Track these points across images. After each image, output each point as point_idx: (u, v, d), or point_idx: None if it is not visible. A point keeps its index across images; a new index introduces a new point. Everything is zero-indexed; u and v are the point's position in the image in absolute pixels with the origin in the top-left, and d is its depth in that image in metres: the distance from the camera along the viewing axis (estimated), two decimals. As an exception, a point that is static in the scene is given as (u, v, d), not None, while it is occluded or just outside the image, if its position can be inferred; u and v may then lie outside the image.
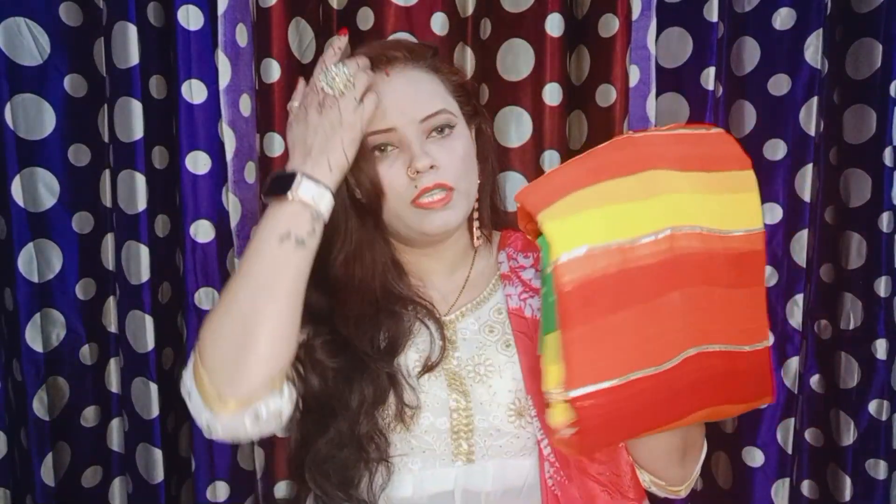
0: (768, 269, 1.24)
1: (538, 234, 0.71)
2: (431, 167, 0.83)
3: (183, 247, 1.17)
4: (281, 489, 1.27)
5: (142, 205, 1.14)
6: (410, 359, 0.86)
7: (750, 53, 1.25)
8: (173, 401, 1.20)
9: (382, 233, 0.90)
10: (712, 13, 1.19)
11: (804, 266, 1.26)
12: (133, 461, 1.20)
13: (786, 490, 1.29)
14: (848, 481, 1.26)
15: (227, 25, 1.13)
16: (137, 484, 1.20)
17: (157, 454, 1.17)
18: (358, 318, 0.86)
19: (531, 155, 1.25)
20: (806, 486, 1.34)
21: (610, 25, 1.19)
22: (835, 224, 1.28)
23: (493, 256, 0.96)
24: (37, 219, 1.15)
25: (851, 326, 1.26)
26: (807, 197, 1.24)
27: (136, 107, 1.12)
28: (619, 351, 0.70)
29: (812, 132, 1.22)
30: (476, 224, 0.94)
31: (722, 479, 1.35)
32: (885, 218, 1.21)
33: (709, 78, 1.20)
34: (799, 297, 1.26)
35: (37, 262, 1.15)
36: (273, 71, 1.17)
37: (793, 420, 1.28)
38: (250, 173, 1.19)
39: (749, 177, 0.77)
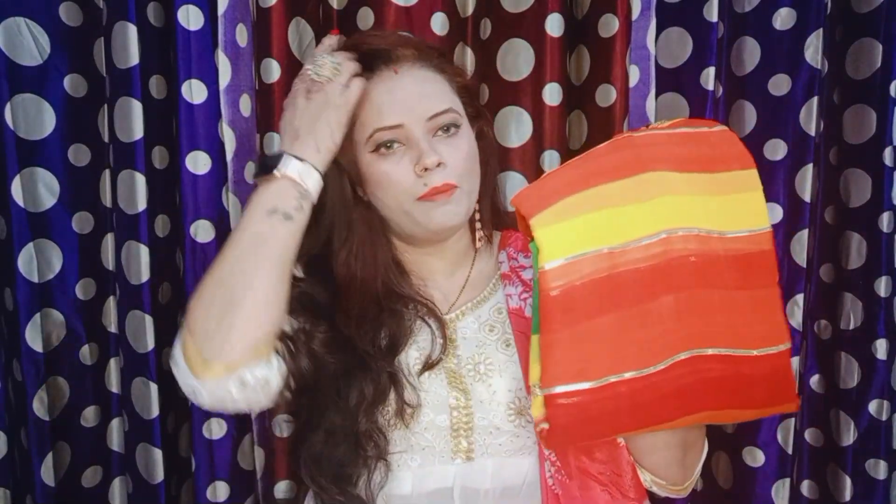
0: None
1: (532, 236, 0.72)
2: (439, 164, 0.83)
3: (183, 247, 1.17)
4: (281, 489, 1.27)
5: (142, 205, 1.14)
6: (411, 357, 0.87)
7: (750, 53, 1.25)
8: (173, 401, 1.20)
9: (385, 232, 0.91)
10: (712, 13, 1.19)
11: (804, 266, 1.26)
12: (133, 461, 1.20)
13: (786, 490, 1.29)
14: (848, 481, 1.26)
15: (227, 25, 1.13)
16: (137, 484, 1.20)
17: (157, 454, 1.17)
18: (360, 317, 0.87)
19: (531, 155, 1.25)
20: (806, 486, 1.34)
21: (610, 25, 1.19)
22: (835, 224, 1.28)
23: (494, 256, 0.97)
24: (37, 219, 1.15)
25: (851, 326, 1.26)
26: (807, 197, 1.24)
27: (136, 107, 1.12)
28: (598, 354, 0.71)
29: (812, 132, 1.22)
30: (478, 225, 0.95)
31: (722, 479, 1.35)
32: (885, 218, 1.21)
33: (709, 78, 1.20)
34: (799, 297, 1.26)
35: (37, 262, 1.15)
36: (273, 71, 1.18)
37: (793, 420, 1.28)
38: (250, 173, 1.19)
39: (752, 176, 0.77)
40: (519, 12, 1.22)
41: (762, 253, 0.75)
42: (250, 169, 1.19)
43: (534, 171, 1.25)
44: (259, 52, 1.18)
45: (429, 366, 0.86)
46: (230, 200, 1.17)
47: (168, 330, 1.22)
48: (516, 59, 1.23)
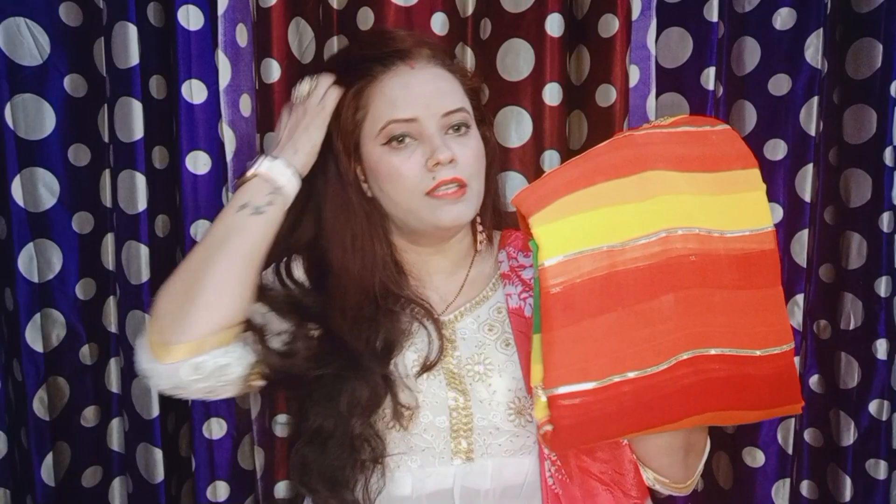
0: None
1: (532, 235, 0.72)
2: (451, 161, 0.84)
3: (183, 247, 1.17)
4: (281, 489, 1.27)
5: (142, 205, 1.14)
6: (409, 359, 0.86)
7: (750, 53, 1.25)
8: (173, 401, 1.19)
9: (386, 232, 0.91)
10: (712, 13, 1.19)
11: (804, 266, 1.26)
12: (133, 461, 1.20)
13: (786, 490, 1.29)
14: (848, 481, 1.26)
15: (227, 25, 1.13)
16: (137, 484, 1.20)
17: (157, 454, 1.17)
18: (355, 316, 0.86)
19: (531, 155, 1.25)
20: (805, 487, 1.34)
21: (610, 25, 1.19)
22: (835, 224, 1.28)
23: (494, 256, 0.97)
24: (37, 219, 1.15)
25: (852, 326, 1.26)
26: (807, 197, 1.24)
27: (136, 107, 1.12)
28: (601, 353, 0.70)
29: (812, 132, 1.22)
30: (479, 228, 0.95)
31: (722, 480, 1.35)
32: (885, 218, 1.21)
33: (709, 78, 1.20)
34: (799, 297, 1.26)
35: (37, 262, 1.15)
36: (273, 71, 1.17)
37: (793, 420, 1.28)
38: (250, 173, 1.19)
39: (754, 175, 0.77)
40: (519, 12, 1.22)
41: (764, 253, 0.75)
42: (250, 169, 1.19)
43: (534, 171, 1.25)
44: (259, 52, 1.18)
45: (426, 368, 0.86)
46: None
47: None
48: (516, 59, 1.23)
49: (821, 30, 1.20)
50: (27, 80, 1.12)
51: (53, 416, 1.17)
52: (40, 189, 1.15)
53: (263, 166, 0.85)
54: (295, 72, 1.20)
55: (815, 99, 1.22)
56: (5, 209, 1.12)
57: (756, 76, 1.25)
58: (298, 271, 0.92)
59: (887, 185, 1.20)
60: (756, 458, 1.30)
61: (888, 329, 1.23)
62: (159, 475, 1.18)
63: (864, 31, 1.20)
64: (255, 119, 1.20)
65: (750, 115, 1.26)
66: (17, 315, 1.13)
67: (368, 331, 0.86)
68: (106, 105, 1.17)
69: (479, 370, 0.87)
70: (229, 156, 1.16)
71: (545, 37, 1.20)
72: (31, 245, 1.14)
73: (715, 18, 1.19)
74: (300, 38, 1.22)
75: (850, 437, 1.26)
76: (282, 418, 1.20)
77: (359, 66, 0.88)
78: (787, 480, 1.29)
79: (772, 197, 1.24)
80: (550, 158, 1.24)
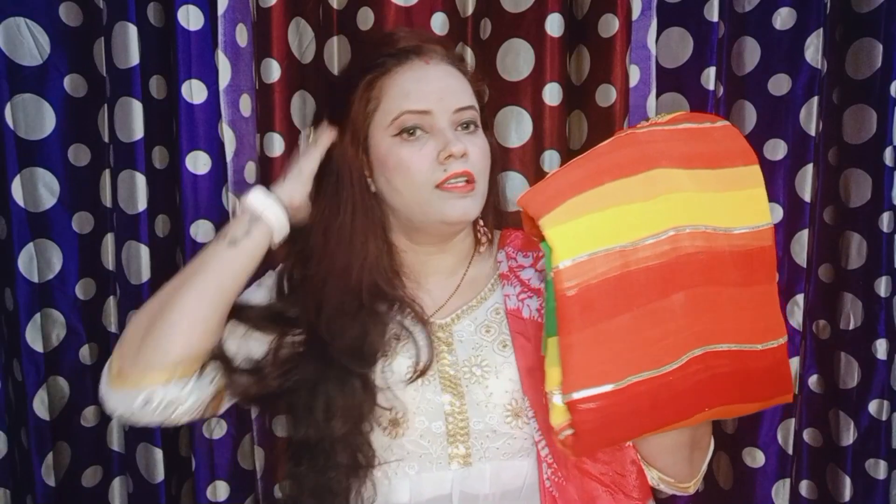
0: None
1: (542, 237, 0.71)
2: (464, 155, 0.84)
3: (183, 247, 1.17)
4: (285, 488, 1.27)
5: (142, 205, 1.14)
6: (402, 364, 0.85)
7: (750, 53, 1.25)
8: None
9: (385, 231, 0.90)
10: (712, 13, 1.18)
11: (804, 266, 1.26)
12: (133, 461, 1.20)
13: (786, 490, 1.29)
14: (848, 481, 1.26)
15: (227, 25, 1.13)
16: (137, 484, 1.20)
17: (158, 454, 1.17)
18: (336, 312, 0.85)
19: (531, 155, 1.25)
20: (805, 487, 1.34)
21: (610, 25, 1.19)
22: (834, 224, 1.28)
23: (493, 256, 0.96)
24: (37, 219, 1.15)
25: (851, 326, 1.26)
26: (807, 197, 1.24)
27: (137, 107, 1.12)
28: (618, 354, 0.70)
29: (812, 132, 1.22)
30: (482, 228, 0.95)
31: (723, 480, 1.35)
32: (885, 218, 1.20)
33: (709, 78, 1.20)
34: (799, 297, 1.26)
35: (37, 262, 1.15)
36: (273, 71, 1.17)
37: (793, 420, 1.28)
38: (250, 173, 1.19)
39: (755, 172, 0.77)
40: (519, 12, 1.22)
41: (763, 249, 0.75)
42: (250, 169, 1.19)
43: (534, 171, 1.25)
44: (259, 52, 1.18)
45: (419, 373, 0.85)
46: (230, 200, 1.17)
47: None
48: (516, 59, 1.23)
49: (821, 30, 1.20)
50: (27, 80, 1.12)
51: (53, 416, 1.17)
52: (40, 189, 1.15)
53: (248, 197, 0.86)
54: (295, 72, 1.20)
55: (815, 99, 1.22)
56: (5, 209, 1.12)
57: (756, 76, 1.25)
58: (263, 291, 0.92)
59: (887, 185, 1.20)
60: (756, 458, 1.30)
61: (888, 329, 1.23)
62: (159, 475, 1.18)
63: (864, 31, 1.20)
64: (255, 119, 1.20)
65: (750, 114, 1.26)
66: (17, 315, 1.13)
67: (348, 329, 0.85)
68: (106, 105, 1.17)
69: (476, 372, 0.86)
70: (229, 156, 1.16)
71: (545, 37, 1.20)
72: (31, 245, 1.14)
73: (715, 18, 1.19)
74: (300, 38, 1.22)
75: (849, 437, 1.26)
76: (282, 418, 1.20)
77: (373, 60, 0.88)
78: (788, 481, 1.29)
79: (772, 197, 1.24)
80: (550, 158, 1.24)
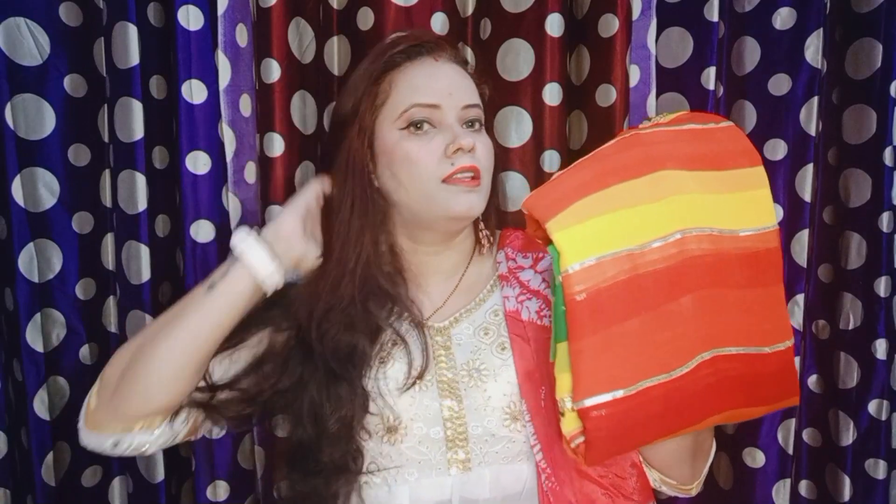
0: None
1: (548, 241, 0.70)
2: (472, 149, 0.84)
3: (183, 247, 1.17)
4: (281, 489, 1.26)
5: (142, 205, 1.14)
6: (399, 371, 0.85)
7: (750, 53, 1.25)
8: (173, 401, 1.20)
9: (386, 228, 0.89)
10: (712, 13, 1.18)
11: (804, 266, 1.26)
12: (133, 461, 1.20)
13: (787, 491, 1.29)
14: (847, 481, 1.26)
15: (227, 25, 1.13)
16: (137, 484, 1.20)
17: (158, 454, 1.17)
18: (328, 309, 0.85)
19: (531, 155, 1.25)
20: (804, 487, 1.34)
21: (610, 25, 1.19)
22: (834, 224, 1.28)
23: (493, 257, 0.96)
24: (37, 219, 1.15)
25: (851, 326, 1.26)
26: (807, 197, 1.24)
27: (137, 107, 1.12)
28: (628, 360, 0.69)
29: (812, 132, 1.22)
30: (483, 229, 0.94)
31: (723, 480, 1.35)
32: (885, 218, 1.21)
33: (709, 78, 1.20)
34: (800, 297, 1.26)
35: (37, 262, 1.15)
36: (273, 71, 1.17)
37: (794, 421, 1.28)
38: (250, 173, 1.19)
39: (759, 173, 0.76)
40: (519, 12, 1.21)
41: (769, 251, 0.75)
42: (250, 169, 1.19)
43: (534, 171, 1.24)
44: (259, 52, 1.18)
45: (414, 380, 0.84)
46: (230, 200, 1.17)
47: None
48: (516, 59, 1.23)
49: (821, 30, 1.20)
50: (27, 80, 1.12)
51: (53, 416, 1.17)
52: (40, 189, 1.15)
53: (235, 236, 0.84)
54: (295, 72, 1.20)
55: (815, 99, 1.22)
56: (5, 209, 1.12)
57: (756, 76, 1.25)
58: None
59: (887, 185, 1.20)
60: (756, 458, 1.30)
61: (888, 329, 1.23)
62: (159, 475, 1.18)
63: (864, 31, 1.20)
64: (255, 119, 1.19)
65: (750, 114, 1.26)
66: (18, 315, 1.13)
67: (337, 330, 0.84)
68: (106, 105, 1.17)
69: (475, 376, 0.86)
70: (229, 156, 1.16)
71: (545, 37, 1.20)
72: (31, 245, 1.14)
73: (715, 18, 1.19)
74: (300, 38, 1.22)
75: (849, 437, 1.26)
76: (282, 418, 1.20)
77: (383, 57, 0.89)
78: (788, 481, 1.29)
79: (772, 197, 1.24)
80: (550, 158, 1.24)
